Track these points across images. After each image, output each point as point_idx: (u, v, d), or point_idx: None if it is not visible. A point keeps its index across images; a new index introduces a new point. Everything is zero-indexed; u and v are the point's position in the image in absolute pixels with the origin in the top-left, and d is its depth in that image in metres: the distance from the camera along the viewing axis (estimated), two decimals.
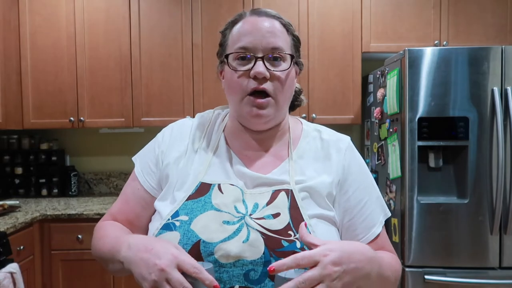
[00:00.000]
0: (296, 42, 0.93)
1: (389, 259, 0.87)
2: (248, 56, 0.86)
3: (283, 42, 0.88)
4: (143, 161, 0.98)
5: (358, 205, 0.90)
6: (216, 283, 0.68)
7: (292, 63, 0.89)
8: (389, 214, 0.95)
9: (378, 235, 0.90)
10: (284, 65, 0.88)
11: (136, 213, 0.95)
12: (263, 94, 0.86)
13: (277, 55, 0.87)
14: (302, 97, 1.04)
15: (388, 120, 2.38)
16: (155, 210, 0.92)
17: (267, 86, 0.86)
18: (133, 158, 1.01)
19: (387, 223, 2.34)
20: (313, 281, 0.66)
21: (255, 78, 0.85)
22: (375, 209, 0.92)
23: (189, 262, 0.69)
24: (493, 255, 2.13)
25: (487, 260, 2.14)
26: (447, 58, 2.14)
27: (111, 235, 0.88)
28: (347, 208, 0.90)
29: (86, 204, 2.71)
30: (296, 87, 1.00)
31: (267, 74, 0.85)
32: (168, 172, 0.93)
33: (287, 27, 0.91)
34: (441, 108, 2.14)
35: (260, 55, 0.86)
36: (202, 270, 0.68)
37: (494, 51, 2.13)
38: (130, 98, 2.81)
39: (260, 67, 0.85)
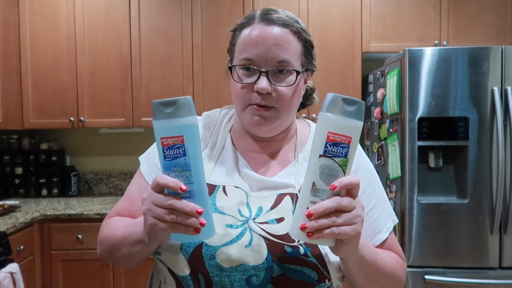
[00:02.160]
0: (308, 48, 0.90)
1: (385, 254, 0.85)
2: (253, 68, 0.84)
3: (291, 54, 0.84)
4: (149, 160, 0.96)
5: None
6: (181, 184, 0.67)
7: (299, 76, 0.86)
8: (397, 221, 0.92)
9: (385, 241, 0.87)
10: (290, 78, 0.84)
11: (141, 211, 0.94)
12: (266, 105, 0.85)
13: (283, 69, 0.84)
14: (314, 95, 1.01)
15: (388, 120, 2.38)
16: None
17: (270, 102, 0.84)
18: (139, 158, 0.99)
19: None
20: (351, 205, 0.66)
21: (258, 92, 0.83)
22: (382, 215, 0.89)
23: (154, 179, 0.69)
24: (493, 255, 2.13)
25: (487, 260, 2.13)
26: (447, 58, 2.14)
27: (124, 223, 0.88)
28: None
29: (86, 204, 2.71)
30: (308, 86, 0.97)
31: (270, 89, 0.83)
32: None
33: (298, 34, 0.86)
34: (441, 108, 2.14)
35: (264, 69, 0.83)
36: (162, 177, 0.68)
37: (494, 51, 2.13)
38: (130, 98, 2.81)
39: (263, 82, 0.82)
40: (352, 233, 0.66)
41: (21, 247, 2.23)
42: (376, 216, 0.88)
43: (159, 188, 0.68)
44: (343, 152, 0.67)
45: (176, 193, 0.67)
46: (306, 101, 1.00)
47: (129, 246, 0.82)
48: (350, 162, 0.68)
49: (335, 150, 0.67)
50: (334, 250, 0.70)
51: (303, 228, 0.65)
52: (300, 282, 0.78)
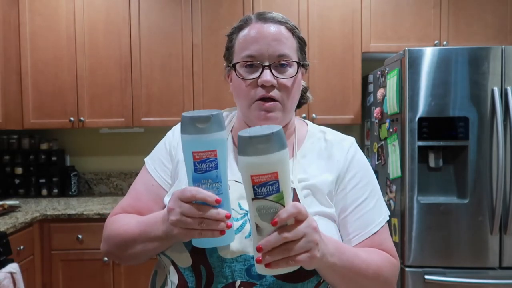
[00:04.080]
0: (302, 44, 0.94)
1: (369, 254, 0.85)
2: (255, 64, 0.88)
3: (289, 48, 0.89)
4: (155, 159, 0.99)
5: (354, 202, 0.90)
6: (216, 197, 0.70)
7: (299, 68, 0.91)
8: (388, 218, 0.94)
9: (375, 234, 0.89)
10: (291, 70, 0.89)
11: (149, 208, 0.94)
12: (271, 98, 0.88)
13: (284, 62, 0.88)
14: (308, 94, 1.05)
15: (388, 120, 2.39)
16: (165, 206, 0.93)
17: (275, 93, 0.88)
18: (145, 159, 1.01)
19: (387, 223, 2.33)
20: (298, 234, 0.68)
21: (262, 86, 0.87)
22: (374, 209, 0.91)
23: (186, 189, 0.71)
24: (493, 255, 2.13)
25: (487, 260, 2.14)
26: (447, 58, 2.14)
27: (135, 220, 0.89)
28: (343, 205, 0.91)
29: (86, 204, 2.71)
30: (302, 85, 1.01)
31: (274, 82, 0.87)
32: (178, 169, 0.94)
33: (292, 31, 0.91)
34: (441, 108, 2.14)
35: (266, 63, 0.87)
36: (199, 191, 0.70)
37: (494, 51, 2.13)
38: (130, 98, 2.81)
39: (267, 75, 0.86)
40: (307, 259, 0.69)
41: (21, 247, 2.23)
42: (367, 209, 0.90)
43: (192, 200, 0.71)
44: (274, 189, 0.65)
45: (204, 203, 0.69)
46: (301, 99, 1.02)
47: (145, 243, 0.84)
48: (287, 192, 0.66)
49: (264, 190, 0.65)
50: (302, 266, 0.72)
51: (258, 261, 0.67)
52: (298, 271, 0.80)
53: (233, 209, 0.84)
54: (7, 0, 2.71)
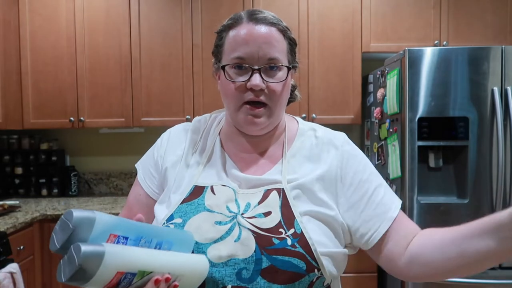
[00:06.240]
0: (293, 46, 0.92)
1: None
2: (245, 66, 0.86)
3: (280, 52, 0.87)
4: (145, 167, 0.99)
5: (365, 195, 0.89)
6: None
7: (289, 72, 0.89)
8: (401, 201, 0.93)
9: (396, 218, 0.88)
10: (281, 74, 0.87)
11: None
12: (259, 102, 0.87)
13: (273, 65, 0.86)
14: (296, 93, 1.03)
15: (388, 120, 2.38)
16: None
17: (263, 98, 0.86)
18: (136, 165, 1.02)
19: None
20: None
21: (251, 89, 0.86)
22: (387, 194, 0.90)
23: None
24: None
25: None
26: (447, 58, 2.14)
27: None
28: (355, 202, 0.89)
29: (86, 204, 2.71)
30: (291, 83, 0.99)
31: (263, 86, 0.85)
32: (167, 176, 0.94)
33: (284, 32, 0.89)
34: (441, 108, 2.14)
35: (256, 66, 0.85)
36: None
37: (494, 51, 2.13)
38: (130, 98, 2.81)
39: (256, 79, 0.85)
40: None
41: (21, 247, 2.23)
42: (381, 197, 0.89)
43: None
44: (130, 277, 0.64)
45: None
46: (290, 98, 1.00)
47: None
48: (143, 267, 0.65)
49: (124, 285, 0.64)
50: None
51: None
52: (288, 272, 0.79)
53: (221, 213, 0.84)
54: (7, 0, 2.71)
